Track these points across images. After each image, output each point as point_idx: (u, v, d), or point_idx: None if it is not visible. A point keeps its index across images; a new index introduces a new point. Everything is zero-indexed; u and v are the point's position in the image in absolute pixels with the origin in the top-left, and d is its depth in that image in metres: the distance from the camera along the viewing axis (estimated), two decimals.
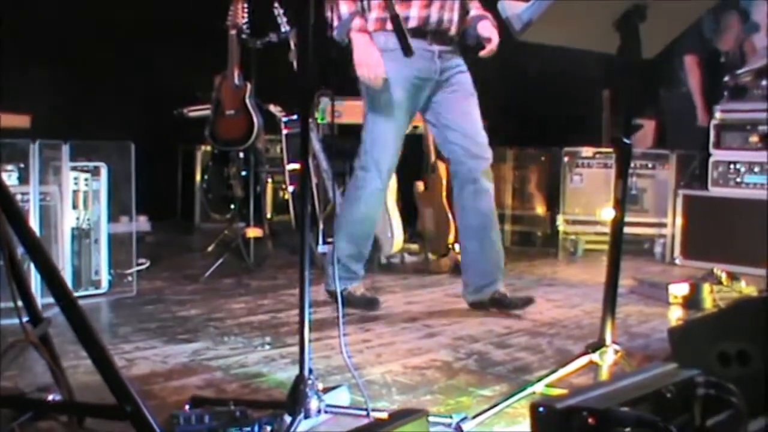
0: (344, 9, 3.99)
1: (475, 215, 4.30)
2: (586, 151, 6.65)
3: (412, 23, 3.99)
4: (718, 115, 6.02)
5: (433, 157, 5.74)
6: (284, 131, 6.01)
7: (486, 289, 4.34)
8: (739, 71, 5.29)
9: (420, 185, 5.81)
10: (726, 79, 6.02)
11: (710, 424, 1.93)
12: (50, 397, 2.12)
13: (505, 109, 7.02)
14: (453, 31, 4.15)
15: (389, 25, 3.78)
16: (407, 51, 3.07)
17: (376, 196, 4.32)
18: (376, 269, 5.57)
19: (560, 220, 6.65)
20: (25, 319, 2.06)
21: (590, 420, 1.68)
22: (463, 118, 4.22)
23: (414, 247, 5.89)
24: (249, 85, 5.48)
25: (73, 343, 1.98)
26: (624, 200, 2.58)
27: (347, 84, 5.49)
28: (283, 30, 5.49)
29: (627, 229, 6.15)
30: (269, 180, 7.08)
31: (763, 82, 5.18)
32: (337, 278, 3.61)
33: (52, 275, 1.84)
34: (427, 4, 4.03)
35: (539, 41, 2.34)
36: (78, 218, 4.45)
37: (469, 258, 4.40)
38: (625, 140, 2.54)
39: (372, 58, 3.98)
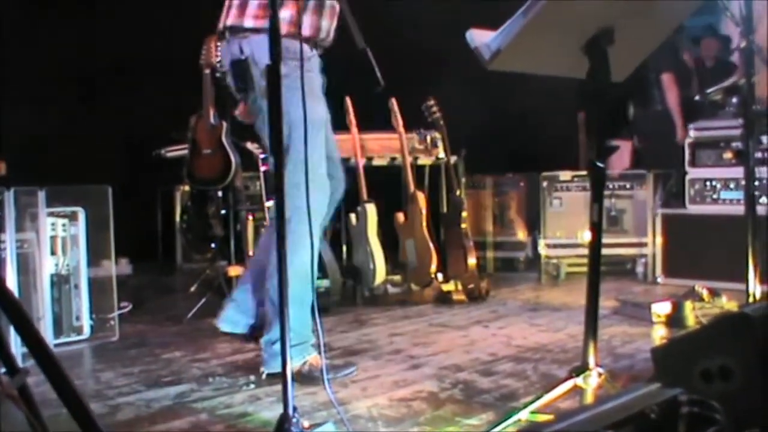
0: None
1: None
2: (564, 175, 6.68)
3: (322, 34, 3.66)
4: (692, 133, 6.07)
5: (412, 188, 5.76)
6: (262, 168, 6.01)
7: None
8: (710, 89, 5.35)
9: (400, 216, 5.82)
10: (696, 97, 6.09)
11: None
12: None
13: (483, 136, 7.06)
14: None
15: (305, 31, 3.56)
16: (376, 84, 3.01)
17: None
18: (359, 301, 5.57)
19: (541, 244, 6.67)
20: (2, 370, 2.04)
21: None
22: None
23: (396, 278, 5.88)
24: (225, 124, 5.48)
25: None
26: (600, 223, 2.59)
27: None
28: None
29: (608, 251, 6.28)
30: (250, 217, 7.06)
31: (734, 100, 5.22)
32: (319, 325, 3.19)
33: (26, 326, 1.82)
34: (319, 15, 3.65)
35: (508, 69, 2.36)
36: (57, 264, 4.43)
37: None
38: (599, 164, 2.55)
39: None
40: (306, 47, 3.41)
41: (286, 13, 3.46)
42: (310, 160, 3.11)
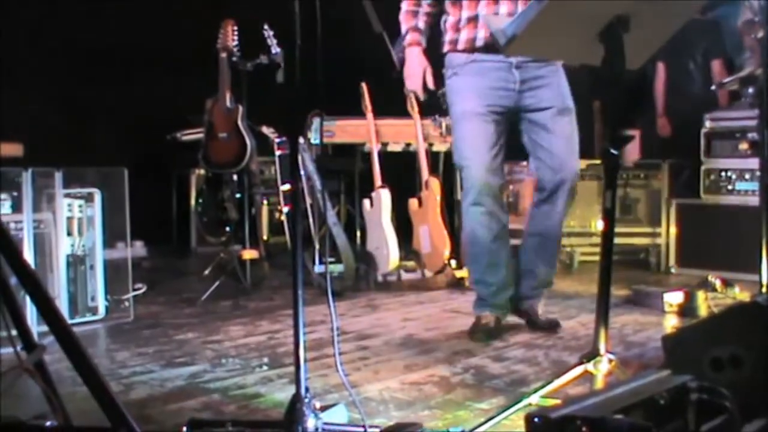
0: (403, 26, 4.22)
1: (535, 229, 4.34)
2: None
3: (480, 42, 4.03)
4: (707, 123, 6.05)
5: (426, 174, 5.77)
6: (277, 152, 6.03)
7: (522, 301, 4.36)
8: (726, 80, 5.32)
9: (414, 202, 5.83)
10: (713, 87, 6.06)
11: (704, 429, 1.94)
12: (47, 424, 2.12)
13: None
14: None
15: (460, 46, 4.09)
16: (391, 68, 3.04)
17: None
18: (372, 287, 5.58)
19: None
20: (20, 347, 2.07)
21: (584, 429, 1.69)
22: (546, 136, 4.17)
23: (410, 264, 5.89)
24: (241, 108, 5.50)
25: (70, 370, 1.99)
26: (613, 211, 2.60)
27: (340, 103, 5.56)
28: (273, 51, 5.51)
29: (621, 240, 6.28)
30: (264, 201, 7.09)
31: (750, 90, 5.20)
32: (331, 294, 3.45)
33: (45, 303, 1.85)
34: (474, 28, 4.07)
35: (524, 55, 2.37)
36: (73, 245, 4.46)
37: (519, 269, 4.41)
38: (613, 151, 2.55)
39: (415, 70, 4.22)
40: (463, 56, 4.10)
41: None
42: (460, 148, 4.17)
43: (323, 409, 2.52)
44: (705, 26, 6.78)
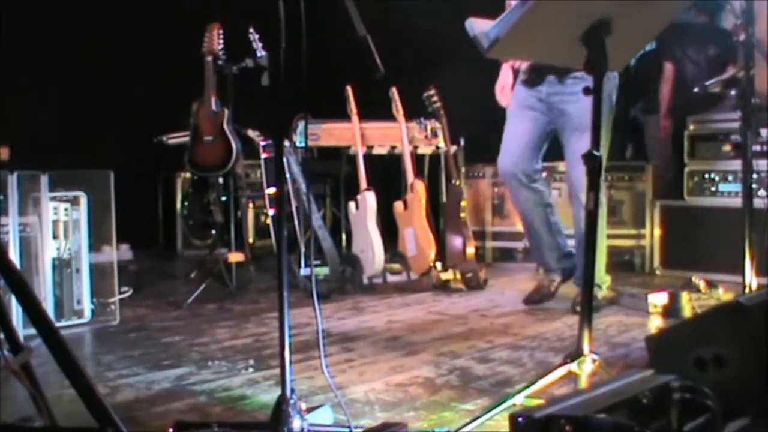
0: None
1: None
2: (562, 165, 6.68)
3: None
4: (691, 126, 6.09)
5: (411, 177, 5.78)
6: (263, 155, 6.04)
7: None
8: (708, 82, 5.35)
9: (399, 205, 5.84)
10: (696, 90, 6.08)
11: (687, 428, 1.96)
12: (34, 426, 2.13)
13: (483, 126, 7.07)
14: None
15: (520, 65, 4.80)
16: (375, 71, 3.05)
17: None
18: (358, 289, 5.59)
19: None
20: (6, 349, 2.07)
21: (568, 428, 1.70)
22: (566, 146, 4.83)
23: (395, 266, 5.91)
24: (226, 111, 5.50)
25: (57, 373, 2.00)
26: (596, 211, 2.62)
27: (325, 107, 5.57)
28: (258, 54, 5.52)
29: (606, 242, 6.28)
30: (250, 204, 7.09)
31: (732, 92, 5.24)
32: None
33: (33, 305, 1.86)
34: None
35: (507, 57, 2.40)
36: (59, 248, 4.45)
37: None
38: (595, 153, 2.57)
39: (498, 85, 5.04)
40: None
41: None
42: None
43: (309, 410, 2.53)
44: (716, 29, 6.78)
